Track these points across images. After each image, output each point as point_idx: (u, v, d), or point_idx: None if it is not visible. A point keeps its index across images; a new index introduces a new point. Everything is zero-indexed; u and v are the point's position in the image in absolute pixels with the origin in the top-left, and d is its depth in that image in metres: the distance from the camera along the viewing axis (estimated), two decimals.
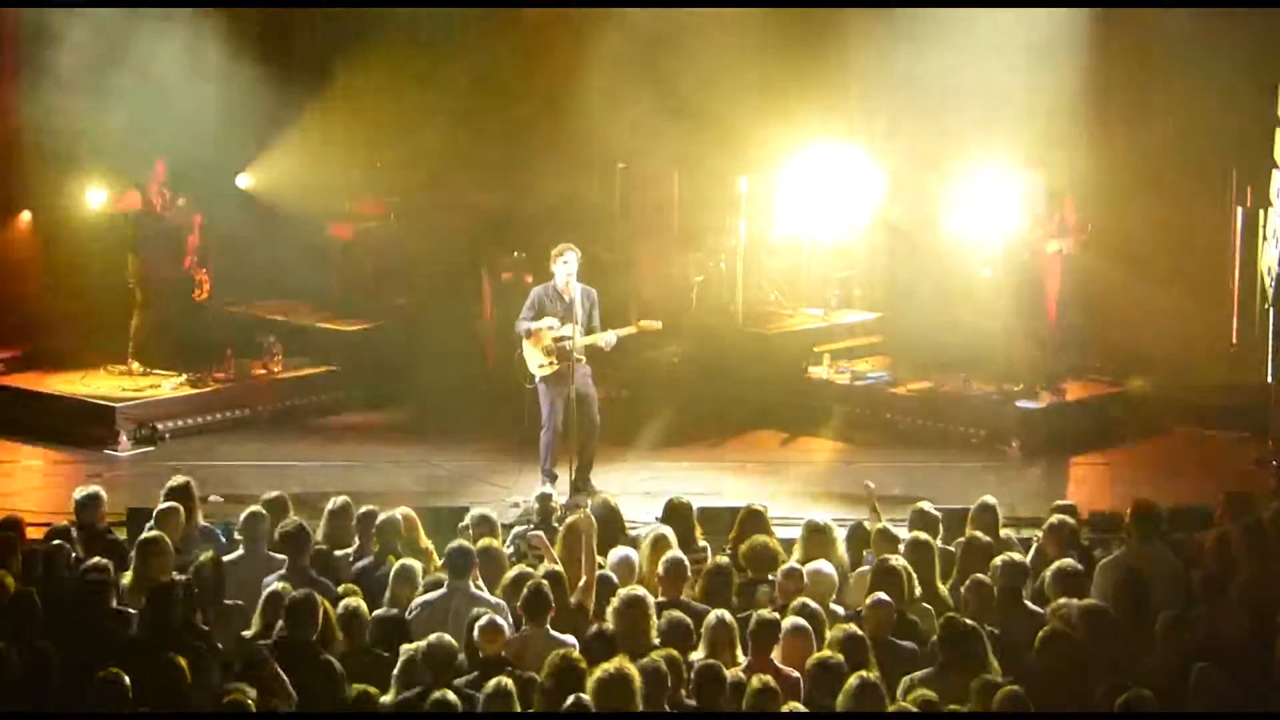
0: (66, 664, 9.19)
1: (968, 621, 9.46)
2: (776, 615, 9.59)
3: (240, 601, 10.40)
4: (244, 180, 18.75)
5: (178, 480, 12.09)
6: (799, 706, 8.69)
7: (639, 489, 14.31)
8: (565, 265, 14.12)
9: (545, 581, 9.92)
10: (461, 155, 18.84)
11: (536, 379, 14.32)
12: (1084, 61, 16.72)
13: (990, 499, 11.77)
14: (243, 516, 11.28)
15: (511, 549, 11.57)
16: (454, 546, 10.45)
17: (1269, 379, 15.46)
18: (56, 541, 11.04)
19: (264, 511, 11.28)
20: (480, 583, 10.40)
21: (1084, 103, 16.79)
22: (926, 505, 11.67)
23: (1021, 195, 16.24)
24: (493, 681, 8.75)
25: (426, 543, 11.41)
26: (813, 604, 9.84)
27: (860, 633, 9.42)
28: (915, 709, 8.62)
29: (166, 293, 17.23)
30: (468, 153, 18.84)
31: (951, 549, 11.13)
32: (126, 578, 10.65)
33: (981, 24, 16.58)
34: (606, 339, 14.21)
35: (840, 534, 11.33)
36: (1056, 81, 16.54)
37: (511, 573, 10.54)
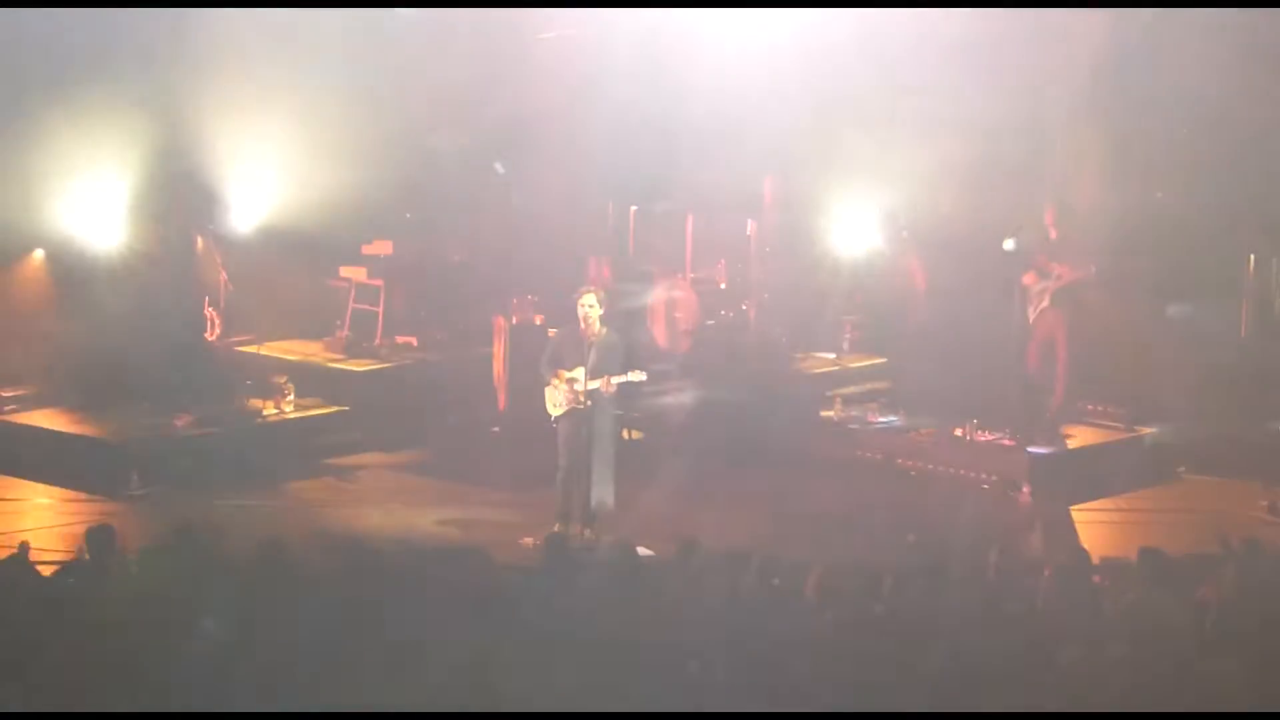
0: None
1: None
2: None
3: None
4: (252, 219, 18.75)
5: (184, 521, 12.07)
6: None
7: (652, 531, 14.27)
8: (583, 308, 14.20)
9: None
10: (473, 197, 18.88)
11: (553, 419, 14.42)
12: (1096, 102, 16.81)
13: (1003, 545, 11.73)
14: None
15: None
16: None
17: None
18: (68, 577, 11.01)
19: None
20: None
21: (1096, 144, 16.86)
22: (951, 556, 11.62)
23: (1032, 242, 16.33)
24: None
25: None
26: None
27: None
28: None
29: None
30: (480, 194, 18.88)
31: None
32: None
33: (984, 59, 16.65)
34: (604, 384, 14.24)
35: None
36: (1069, 120, 16.62)
37: None
